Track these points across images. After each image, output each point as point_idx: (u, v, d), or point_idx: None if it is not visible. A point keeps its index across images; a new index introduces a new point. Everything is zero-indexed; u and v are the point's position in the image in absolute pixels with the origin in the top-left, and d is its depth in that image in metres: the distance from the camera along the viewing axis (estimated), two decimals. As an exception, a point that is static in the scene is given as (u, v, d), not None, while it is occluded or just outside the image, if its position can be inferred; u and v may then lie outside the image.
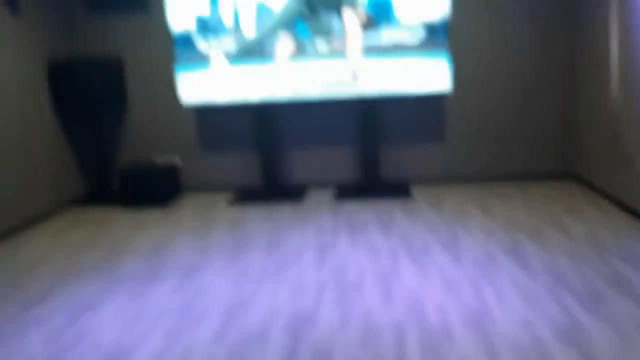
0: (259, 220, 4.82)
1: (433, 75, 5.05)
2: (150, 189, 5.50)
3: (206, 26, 5.23)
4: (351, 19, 4.89)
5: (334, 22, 5.02)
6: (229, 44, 5.22)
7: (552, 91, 5.42)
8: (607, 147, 4.71)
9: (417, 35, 4.96)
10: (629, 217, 4.30)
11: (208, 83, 5.31)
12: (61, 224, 5.04)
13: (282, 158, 5.81)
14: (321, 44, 5.10)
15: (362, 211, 4.87)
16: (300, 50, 5.13)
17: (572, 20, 5.25)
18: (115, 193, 5.70)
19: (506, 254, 3.73)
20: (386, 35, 4.99)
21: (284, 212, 5.02)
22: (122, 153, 5.96)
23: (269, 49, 5.16)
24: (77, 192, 5.73)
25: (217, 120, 5.79)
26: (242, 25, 5.19)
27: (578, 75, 5.30)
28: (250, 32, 5.18)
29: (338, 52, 5.11)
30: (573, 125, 5.44)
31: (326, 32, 5.05)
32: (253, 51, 5.18)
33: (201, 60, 5.29)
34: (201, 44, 5.26)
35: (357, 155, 5.71)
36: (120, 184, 5.54)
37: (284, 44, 4.98)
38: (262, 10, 5.14)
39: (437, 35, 4.95)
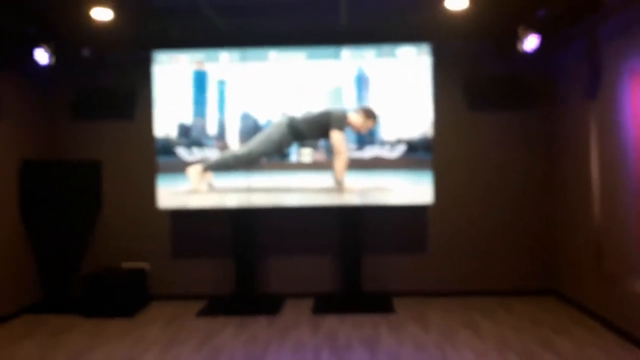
0: (232, 335, 4.47)
1: (415, 188, 5.10)
2: (115, 297, 5.12)
3: (188, 134, 5.23)
4: (338, 139, 5.00)
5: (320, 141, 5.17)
6: (210, 153, 5.20)
7: (532, 208, 5.51)
8: (590, 264, 4.72)
9: (398, 151, 5.10)
10: (615, 335, 4.20)
11: (186, 189, 5.20)
12: (12, 334, 4.58)
13: (259, 266, 5.59)
14: (306, 154, 5.16)
15: (344, 326, 4.62)
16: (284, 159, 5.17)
17: (551, 138, 5.49)
18: (76, 301, 5.29)
19: (501, 377, 3.52)
20: (369, 151, 5.12)
21: (258, 325, 4.71)
22: (90, 259, 5.63)
23: (250, 166, 5.17)
24: (35, 298, 5.31)
25: (192, 227, 5.61)
26: (226, 137, 5.21)
27: (558, 193, 5.44)
28: (233, 145, 5.20)
29: (322, 165, 5.14)
30: (553, 242, 5.48)
31: (312, 146, 5.15)
32: (232, 166, 5.17)
33: (181, 166, 5.22)
34: (182, 151, 5.22)
35: (338, 265, 5.54)
36: (82, 291, 5.16)
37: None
38: (246, 119, 5.19)
39: (418, 152, 5.09)
